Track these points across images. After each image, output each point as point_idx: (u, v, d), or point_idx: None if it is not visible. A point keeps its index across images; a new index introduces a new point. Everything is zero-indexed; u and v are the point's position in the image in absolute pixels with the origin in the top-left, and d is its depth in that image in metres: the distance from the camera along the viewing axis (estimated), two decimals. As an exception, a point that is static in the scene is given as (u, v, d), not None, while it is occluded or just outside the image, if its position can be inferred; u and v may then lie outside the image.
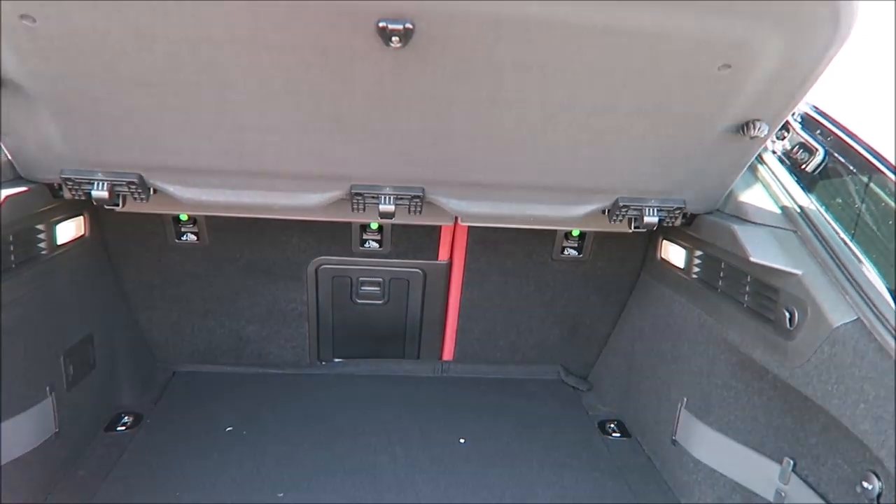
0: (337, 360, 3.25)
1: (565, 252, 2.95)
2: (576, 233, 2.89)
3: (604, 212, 2.29)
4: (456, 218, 2.75)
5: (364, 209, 2.19)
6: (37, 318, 2.24)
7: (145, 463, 2.46)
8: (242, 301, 3.00)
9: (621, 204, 2.19)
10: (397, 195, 2.12)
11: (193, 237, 2.80)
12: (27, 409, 2.17)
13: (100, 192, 2.04)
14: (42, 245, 2.27)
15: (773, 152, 2.32)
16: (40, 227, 2.25)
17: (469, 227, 2.85)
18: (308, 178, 2.09)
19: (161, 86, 1.71)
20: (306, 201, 2.14)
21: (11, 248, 2.08)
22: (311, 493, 2.33)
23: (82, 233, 2.56)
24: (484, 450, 2.69)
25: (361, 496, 2.34)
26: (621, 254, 2.98)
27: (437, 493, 2.39)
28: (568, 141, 1.94)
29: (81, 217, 2.54)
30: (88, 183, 2.04)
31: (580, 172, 2.07)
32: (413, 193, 2.12)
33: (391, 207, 2.13)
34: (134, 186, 2.06)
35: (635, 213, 2.22)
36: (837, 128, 2.15)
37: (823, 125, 2.24)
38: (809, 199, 2.04)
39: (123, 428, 2.69)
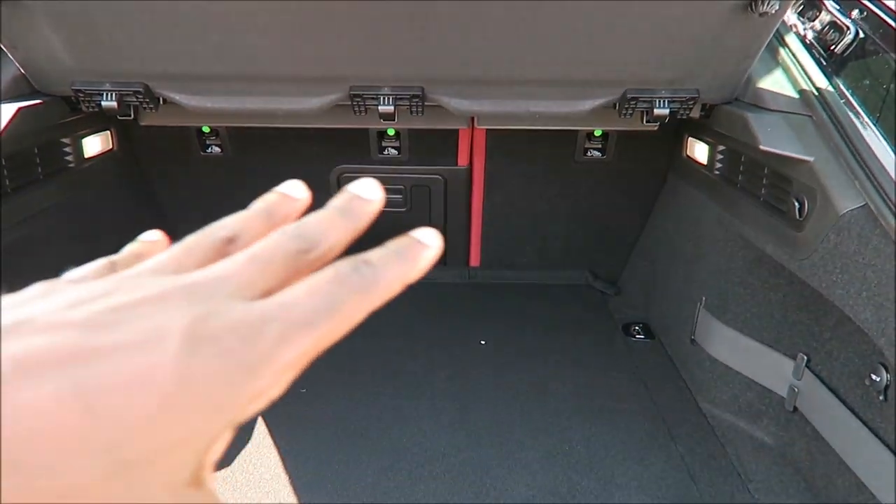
0: (366, 267, 3.32)
1: (588, 154, 2.87)
2: (598, 133, 2.79)
3: (614, 106, 2.20)
4: (472, 121, 2.71)
5: (365, 111, 2.18)
6: (69, 229, 2.38)
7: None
8: None
9: (629, 96, 2.09)
10: (396, 95, 2.09)
11: (217, 149, 2.87)
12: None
13: (109, 103, 2.10)
14: (69, 158, 2.39)
15: (802, 35, 2.15)
16: (66, 140, 2.36)
17: (487, 130, 2.80)
18: (306, 80, 2.08)
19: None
20: (307, 105, 2.14)
21: (37, 160, 2.20)
22: (331, 389, 2.45)
23: (110, 146, 2.67)
24: (503, 350, 2.74)
25: (379, 392, 2.44)
26: (647, 154, 2.87)
27: (452, 389, 2.47)
28: (562, 28, 1.85)
29: (108, 132, 2.64)
30: (98, 94, 2.10)
31: (581, 63, 1.98)
32: (412, 93, 2.09)
33: (390, 108, 2.11)
34: (141, 96, 2.11)
35: (645, 105, 2.12)
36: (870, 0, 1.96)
37: None
38: (829, 81, 1.90)
39: (165, 331, 2.87)
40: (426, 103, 2.17)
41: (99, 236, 2.57)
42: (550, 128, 2.73)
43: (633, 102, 2.11)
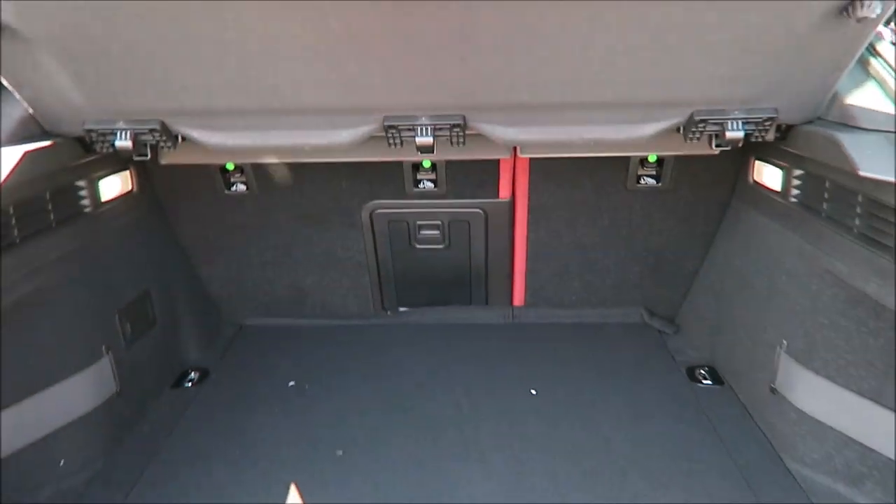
0: (402, 308, 3.11)
1: (642, 181, 2.63)
2: (652, 158, 2.55)
3: (678, 130, 1.96)
4: (514, 150, 2.50)
5: (401, 144, 1.97)
6: (85, 277, 2.20)
7: (209, 419, 2.43)
8: (299, 251, 2.90)
9: (698, 118, 1.85)
10: (435, 125, 1.89)
11: (243, 187, 2.69)
12: (83, 369, 2.16)
13: (123, 142, 1.93)
14: (85, 202, 2.23)
15: (893, 43, 1.90)
16: (81, 183, 2.20)
17: (530, 159, 2.59)
18: (335, 112, 1.89)
19: (154, 16, 1.55)
20: (337, 138, 1.95)
21: (49, 206, 2.03)
22: (370, 450, 2.22)
23: (130, 188, 2.51)
24: (556, 401, 2.48)
25: (422, 454, 2.20)
26: (706, 179, 2.62)
27: (503, 450, 2.21)
28: (624, 43, 1.63)
29: (127, 172, 2.49)
30: (111, 133, 1.93)
31: (644, 82, 1.75)
32: (452, 122, 1.88)
33: (429, 139, 1.90)
34: (158, 134, 1.94)
35: (715, 127, 1.88)
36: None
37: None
38: (939, 92, 1.64)
39: (189, 384, 2.67)
40: (467, 132, 1.96)
41: (117, 284, 2.39)
42: (601, 154, 2.50)
43: (702, 125, 1.87)
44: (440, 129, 1.90)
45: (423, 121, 1.88)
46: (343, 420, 2.39)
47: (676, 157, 2.54)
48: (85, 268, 2.21)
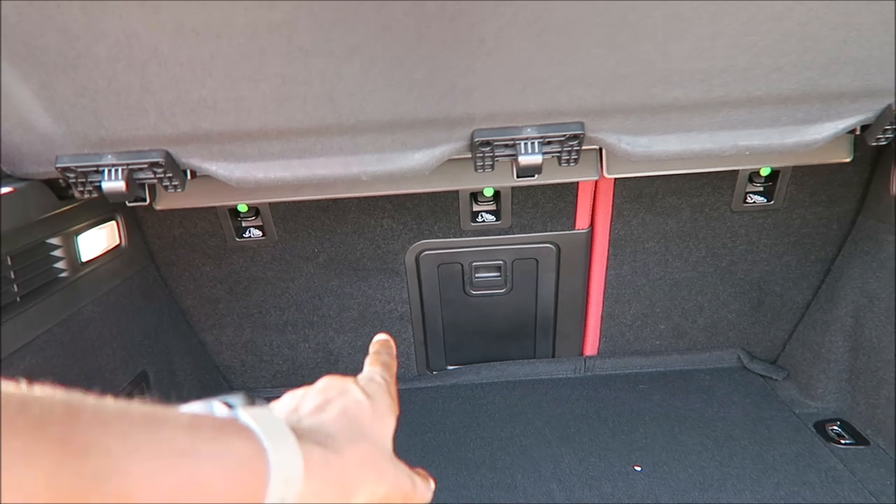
0: (451, 367, 2.58)
1: (749, 199, 2.16)
2: (765, 171, 2.09)
3: (852, 131, 1.49)
4: (601, 170, 2.02)
5: (492, 166, 1.48)
6: (63, 366, 1.65)
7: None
8: (328, 307, 2.36)
9: (898, 111, 1.39)
10: (545, 137, 1.39)
11: (258, 232, 2.17)
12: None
13: (113, 183, 1.40)
14: (60, 265, 1.68)
15: None
16: (54, 241, 1.66)
17: (615, 179, 2.11)
18: (407, 126, 1.38)
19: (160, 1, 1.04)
20: (407, 163, 1.44)
21: (11, 274, 1.49)
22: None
23: (117, 242, 1.97)
24: (672, 481, 1.97)
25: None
26: (826, 195, 2.16)
27: (628, 557, 1.70)
28: (827, 11, 1.17)
29: (113, 222, 1.95)
30: (96, 171, 1.40)
31: (838, 63, 1.28)
32: (570, 132, 1.38)
33: (537, 158, 1.40)
34: (161, 169, 1.41)
35: (917, 123, 1.42)
36: None
37: None
38: None
39: (200, 483, 2.11)
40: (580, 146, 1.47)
41: (106, 369, 1.84)
42: (704, 170, 2.03)
43: (901, 121, 1.41)
44: (550, 141, 1.40)
45: (529, 132, 1.38)
46: None
47: (794, 170, 2.09)
48: (63, 353, 1.66)
